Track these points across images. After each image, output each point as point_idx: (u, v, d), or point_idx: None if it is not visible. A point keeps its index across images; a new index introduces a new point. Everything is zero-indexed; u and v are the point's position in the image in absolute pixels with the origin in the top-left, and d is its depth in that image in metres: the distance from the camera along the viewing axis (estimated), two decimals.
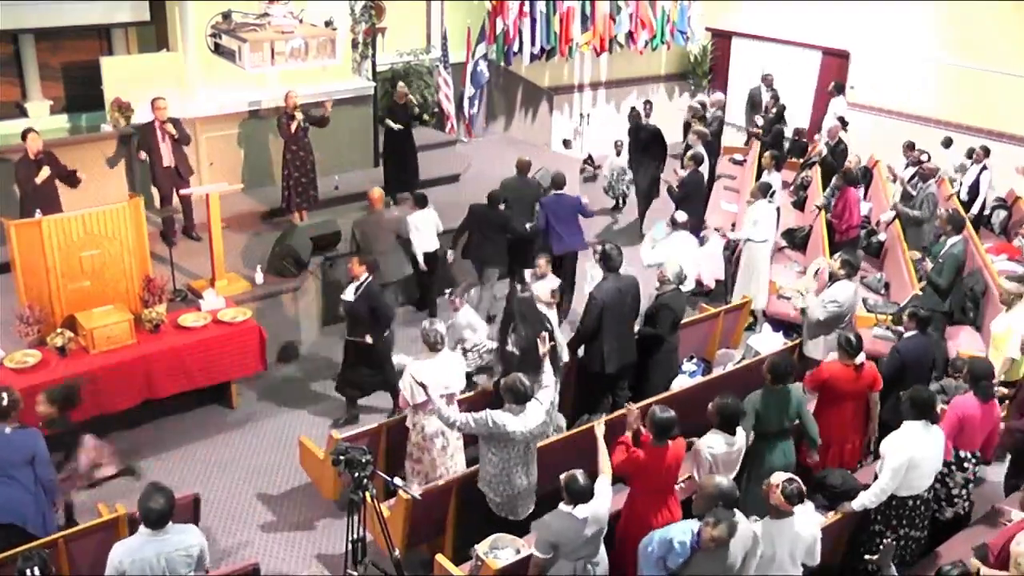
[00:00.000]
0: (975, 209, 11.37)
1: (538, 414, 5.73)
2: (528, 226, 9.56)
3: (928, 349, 7.08)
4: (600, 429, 5.66)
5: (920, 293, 8.75)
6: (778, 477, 4.97)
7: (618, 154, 12.91)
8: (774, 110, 14.27)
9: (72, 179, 8.63)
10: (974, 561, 5.12)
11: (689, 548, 4.63)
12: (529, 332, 6.56)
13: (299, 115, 9.83)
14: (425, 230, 9.38)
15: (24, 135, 8.43)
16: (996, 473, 7.13)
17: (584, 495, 4.99)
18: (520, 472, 5.75)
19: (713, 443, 5.72)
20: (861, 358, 6.51)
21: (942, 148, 12.58)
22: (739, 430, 5.80)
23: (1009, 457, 6.88)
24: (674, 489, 5.64)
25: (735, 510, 4.76)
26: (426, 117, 12.83)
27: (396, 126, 10.87)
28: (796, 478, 5.00)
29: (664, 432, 5.43)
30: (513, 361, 6.43)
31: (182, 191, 9.35)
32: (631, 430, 5.66)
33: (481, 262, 9.51)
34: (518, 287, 6.96)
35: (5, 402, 5.65)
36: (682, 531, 4.72)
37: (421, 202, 9.41)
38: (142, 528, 4.75)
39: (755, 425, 6.00)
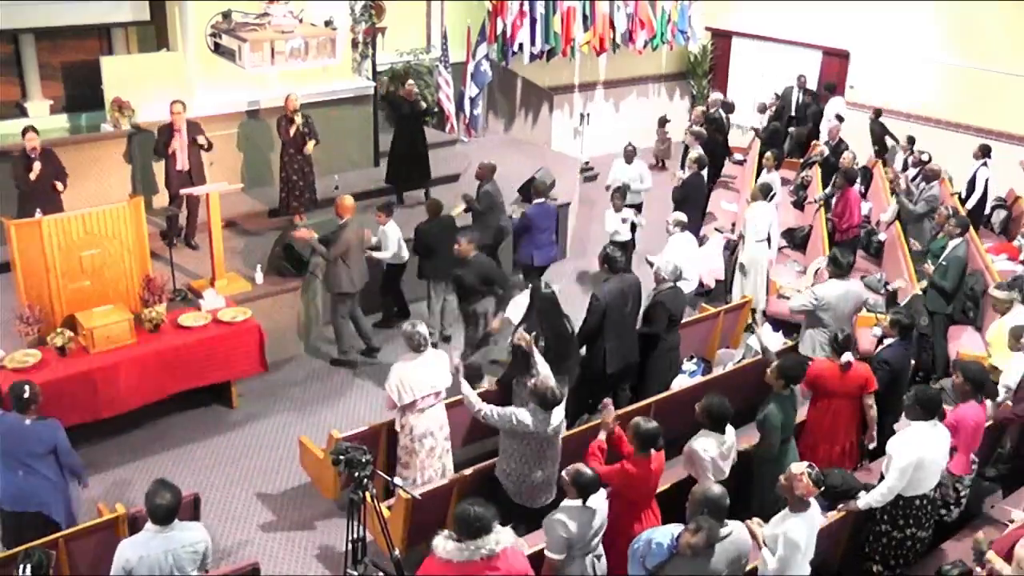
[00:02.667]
0: (971, 204, 11.37)
1: (559, 416, 5.79)
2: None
3: (909, 355, 7.13)
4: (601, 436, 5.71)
5: (921, 293, 8.75)
6: (799, 467, 5.01)
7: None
8: (773, 108, 14.30)
9: (60, 179, 8.54)
10: (981, 544, 5.13)
11: (666, 550, 4.61)
12: (548, 329, 6.68)
13: (299, 119, 9.77)
14: (401, 240, 9.20)
15: (24, 132, 8.43)
16: None
17: (593, 486, 4.99)
18: (539, 465, 5.79)
19: (707, 445, 5.71)
20: (847, 357, 6.49)
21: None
22: (729, 427, 5.81)
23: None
24: (654, 499, 5.60)
25: (727, 521, 4.73)
26: (427, 118, 12.81)
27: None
28: (813, 464, 5.07)
29: (649, 443, 5.38)
30: (518, 355, 6.42)
31: (183, 190, 9.31)
32: (606, 431, 5.69)
33: (437, 278, 9.10)
34: (542, 284, 7.01)
35: (27, 394, 5.76)
36: (663, 534, 4.72)
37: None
38: (148, 524, 4.76)
39: (781, 434, 5.95)
